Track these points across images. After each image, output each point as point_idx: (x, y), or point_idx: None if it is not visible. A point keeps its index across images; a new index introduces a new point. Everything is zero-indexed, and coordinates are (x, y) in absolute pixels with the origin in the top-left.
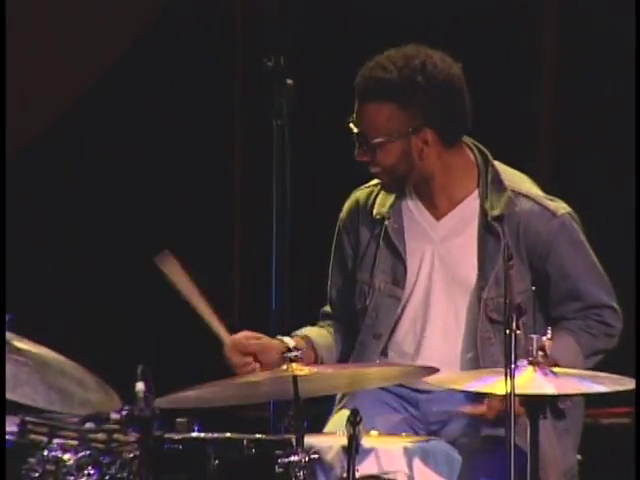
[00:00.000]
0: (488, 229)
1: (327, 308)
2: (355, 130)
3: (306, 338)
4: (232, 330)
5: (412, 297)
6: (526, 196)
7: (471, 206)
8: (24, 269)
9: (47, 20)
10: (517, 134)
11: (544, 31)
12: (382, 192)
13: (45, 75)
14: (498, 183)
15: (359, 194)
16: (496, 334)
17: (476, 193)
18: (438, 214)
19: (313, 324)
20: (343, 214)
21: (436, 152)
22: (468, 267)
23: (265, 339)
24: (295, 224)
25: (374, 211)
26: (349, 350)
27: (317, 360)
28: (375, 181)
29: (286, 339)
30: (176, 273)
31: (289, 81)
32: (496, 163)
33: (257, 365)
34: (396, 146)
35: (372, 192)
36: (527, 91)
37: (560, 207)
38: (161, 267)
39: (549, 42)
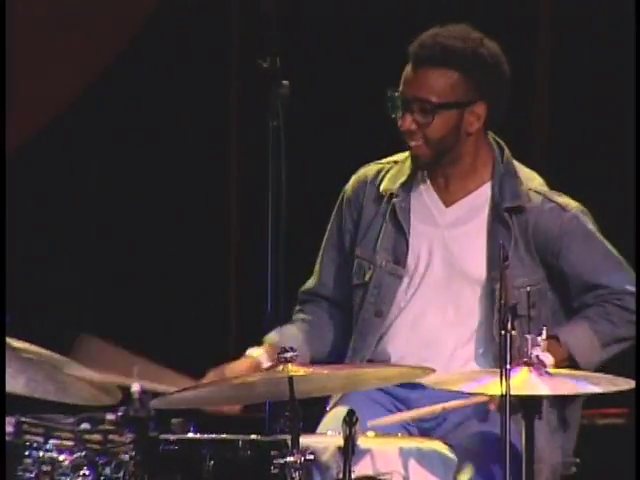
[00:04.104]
0: (499, 220)
1: (313, 286)
2: (408, 96)
3: (276, 345)
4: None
5: (412, 278)
6: (537, 192)
7: (482, 197)
8: (22, 268)
9: (46, 20)
10: (512, 134)
11: (539, 30)
12: (392, 170)
13: (43, 75)
14: (514, 177)
15: (368, 170)
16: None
17: (489, 184)
18: (448, 200)
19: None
20: (348, 188)
21: (479, 131)
22: (471, 256)
23: (228, 367)
24: (291, 224)
25: (382, 187)
26: (344, 328)
27: None
28: (386, 160)
29: (255, 352)
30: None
31: (285, 82)
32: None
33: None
34: (452, 116)
35: (382, 169)
36: (523, 91)
37: (570, 202)
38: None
39: (544, 41)
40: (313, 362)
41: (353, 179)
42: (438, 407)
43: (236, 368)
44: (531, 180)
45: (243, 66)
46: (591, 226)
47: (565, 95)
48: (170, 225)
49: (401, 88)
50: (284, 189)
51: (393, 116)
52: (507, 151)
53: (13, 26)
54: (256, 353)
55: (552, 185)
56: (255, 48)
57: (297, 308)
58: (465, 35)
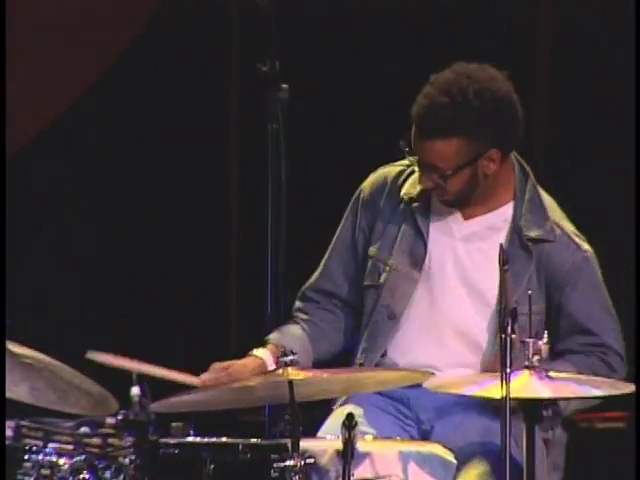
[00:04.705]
0: (520, 245)
1: (317, 281)
2: (420, 158)
3: (281, 347)
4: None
5: (425, 283)
6: (557, 225)
7: (502, 217)
8: (22, 271)
9: (47, 21)
10: None
11: (539, 30)
12: (414, 174)
13: (45, 75)
14: (540, 207)
15: (388, 171)
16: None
17: (510, 205)
18: (467, 214)
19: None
20: (365, 187)
21: (497, 167)
22: (483, 274)
23: (234, 365)
24: (291, 225)
25: (402, 191)
26: (348, 326)
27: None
28: (407, 161)
29: (260, 352)
30: (111, 359)
31: (284, 85)
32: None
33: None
34: (466, 172)
35: (403, 172)
36: (523, 91)
37: (585, 244)
38: (96, 360)
39: (544, 41)
40: (318, 362)
41: (371, 179)
42: None
43: (242, 367)
44: (553, 211)
45: (243, 66)
46: (599, 274)
47: (565, 95)
48: (171, 225)
49: (413, 147)
50: (284, 190)
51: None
52: (532, 177)
53: (14, 26)
54: (260, 353)
55: (552, 185)
56: (255, 50)
57: (298, 306)
58: (461, 97)
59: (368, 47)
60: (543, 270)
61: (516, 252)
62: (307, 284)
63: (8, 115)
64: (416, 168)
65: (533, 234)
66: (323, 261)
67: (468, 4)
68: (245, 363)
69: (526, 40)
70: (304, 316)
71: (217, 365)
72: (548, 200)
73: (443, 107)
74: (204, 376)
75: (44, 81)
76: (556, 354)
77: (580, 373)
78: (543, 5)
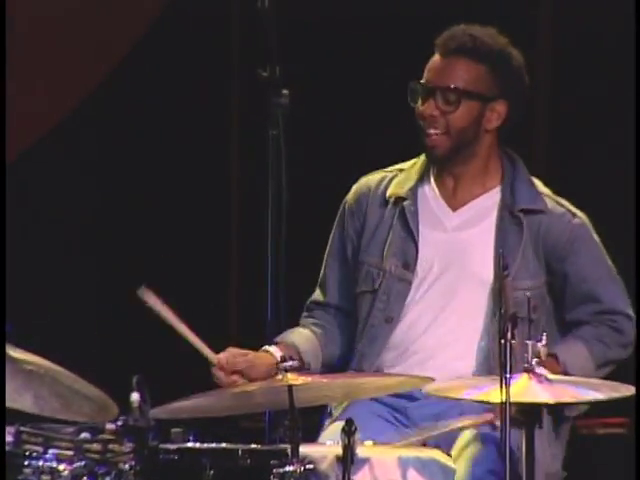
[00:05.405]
0: (512, 220)
1: (319, 297)
2: (433, 84)
3: (292, 345)
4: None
5: (421, 283)
6: (548, 197)
7: (491, 200)
8: (22, 276)
9: (48, 22)
10: (512, 134)
11: (539, 30)
12: (399, 177)
13: (45, 79)
14: (528, 182)
15: (370, 178)
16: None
17: (498, 189)
18: (455, 205)
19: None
20: (349, 198)
21: (496, 132)
22: (480, 258)
23: (251, 355)
24: (291, 233)
25: (388, 193)
26: (351, 334)
27: (304, 367)
28: (389, 168)
29: (272, 349)
30: (157, 304)
31: (285, 91)
32: None
33: (244, 382)
34: (474, 107)
35: (385, 177)
36: None
37: (577, 210)
38: (144, 299)
39: (544, 41)
40: (325, 365)
41: (354, 189)
42: (446, 429)
43: (257, 358)
44: (541, 187)
45: (244, 67)
46: (596, 237)
47: (565, 95)
48: (171, 226)
49: (425, 77)
50: (284, 196)
51: (413, 105)
52: (522, 163)
53: (15, 30)
54: (272, 350)
55: (553, 185)
56: (256, 55)
57: (305, 314)
58: (494, 34)
59: (368, 51)
60: (542, 243)
61: (509, 228)
62: (310, 299)
63: (10, 118)
64: (410, 166)
65: (524, 205)
66: (320, 276)
67: (468, 4)
68: (260, 355)
69: (526, 40)
70: (312, 320)
71: (234, 350)
72: (537, 180)
73: (474, 31)
74: (221, 356)
75: (45, 84)
76: (566, 324)
77: (591, 349)
78: (543, 5)
